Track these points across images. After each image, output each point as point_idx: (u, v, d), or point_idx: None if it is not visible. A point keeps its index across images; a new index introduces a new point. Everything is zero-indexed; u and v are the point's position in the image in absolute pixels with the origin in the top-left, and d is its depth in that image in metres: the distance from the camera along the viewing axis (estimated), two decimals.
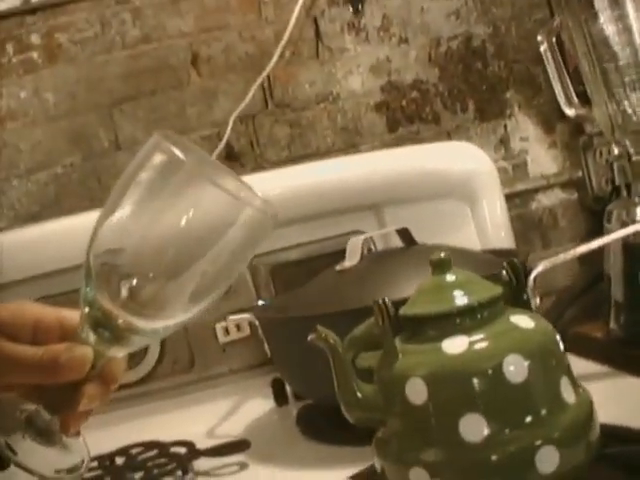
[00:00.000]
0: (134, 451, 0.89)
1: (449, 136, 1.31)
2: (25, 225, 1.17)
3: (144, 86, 1.26)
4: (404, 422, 0.56)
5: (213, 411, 1.02)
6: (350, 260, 0.89)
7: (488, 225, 1.16)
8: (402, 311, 0.59)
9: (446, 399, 0.54)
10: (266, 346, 0.92)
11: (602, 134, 1.18)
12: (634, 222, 0.90)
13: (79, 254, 0.51)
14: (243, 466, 0.83)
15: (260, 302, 1.04)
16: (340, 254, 0.92)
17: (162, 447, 0.89)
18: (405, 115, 1.31)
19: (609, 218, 0.95)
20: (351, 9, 1.30)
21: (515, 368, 0.54)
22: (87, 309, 0.51)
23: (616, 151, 0.95)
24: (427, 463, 0.54)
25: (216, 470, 0.83)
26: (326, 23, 1.30)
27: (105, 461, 0.88)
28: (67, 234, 1.08)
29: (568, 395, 0.56)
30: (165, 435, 0.91)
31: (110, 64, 1.26)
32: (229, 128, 1.26)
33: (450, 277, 0.59)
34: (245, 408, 1.03)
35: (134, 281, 0.49)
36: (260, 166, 1.27)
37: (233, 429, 0.95)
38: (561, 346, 0.58)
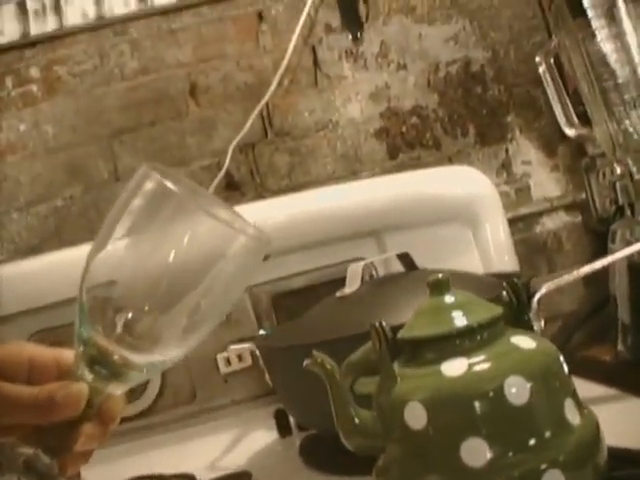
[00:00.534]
0: None
1: (450, 161, 1.30)
2: (25, 258, 1.16)
3: (143, 117, 1.26)
4: (404, 448, 0.54)
5: (215, 443, 1.01)
6: (350, 286, 0.87)
7: (491, 249, 1.15)
8: (400, 334, 0.57)
9: (446, 423, 0.53)
10: (267, 376, 0.91)
11: (604, 155, 1.17)
12: (638, 241, 0.88)
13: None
14: None
15: (261, 332, 1.03)
16: (342, 281, 0.90)
17: None
18: (405, 141, 1.31)
19: (613, 238, 0.94)
20: (350, 36, 1.30)
21: (517, 390, 0.52)
22: (82, 347, 0.50)
23: (618, 170, 0.94)
24: None
25: None
26: (324, 51, 1.30)
27: None
28: (67, 265, 1.07)
29: (573, 417, 0.54)
30: (166, 469, 0.89)
31: (109, 96, 1.26)
32: (228, 157, 1.25)
33: (449, 298, 0.57)
34: (248, 440, 1.01)
35: (129, 315, 0.49)
36: (260, 195, 1.26)
37: (235, 461, 0.93)
38: (565, 367, 0.56)
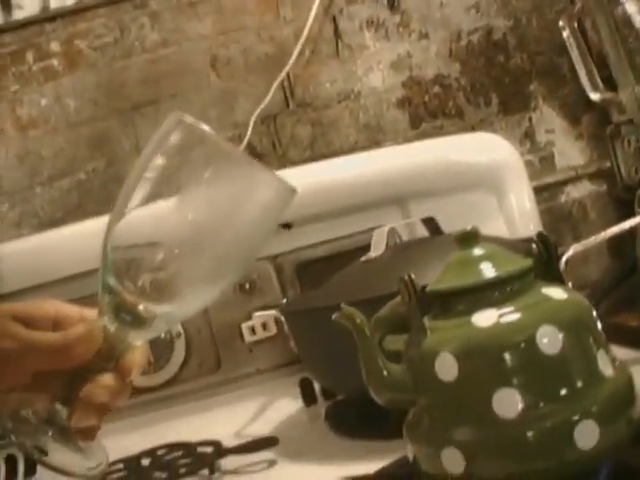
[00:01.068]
0: (160, 452, 0.88)
1: (473, 130, 1.29)
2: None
3: (164, 90, 1.26)
4: (434, 400, 0.54)
5: (240, 412, 1.00)
6: (375, 250, 0.87)
7: (516, 217, 1.14)
8: (429, 287, 0.57)
9: (478, 374, 0.52)
10: (292, 343, 0.90)
11: (629, 122, 1.16)
12: None
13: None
14: (271, 463, 0.81)
15: (285, 300, 1.02)
16: (366, 249, 0.90)
17: (188, 447, 0.88)
18: (428, 111, 1.29)
19: None
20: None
21: (549, 340, 0.52)
22: (107, 296, 0.50)
23: None
24: (460, 442, 0.52)
25: (244, 468, 0.81)
26: (345, 21, 1.29)
27: (131, 463, 0.86)
28: (89, 237, 1.07)
29: (606, 368, 0.53)
30: (192, 437, 0.89)
31: (130, 69, 1.26)
32: (250, 129, 1.25)
33: (477, 251, 0.57)
34: (273, 408, 1.01)
35: (159, 256, 0.48)
36: (283, 166, 1.26)
37: (261, 429, 0.93)
38: (597, 319, 0.56)
